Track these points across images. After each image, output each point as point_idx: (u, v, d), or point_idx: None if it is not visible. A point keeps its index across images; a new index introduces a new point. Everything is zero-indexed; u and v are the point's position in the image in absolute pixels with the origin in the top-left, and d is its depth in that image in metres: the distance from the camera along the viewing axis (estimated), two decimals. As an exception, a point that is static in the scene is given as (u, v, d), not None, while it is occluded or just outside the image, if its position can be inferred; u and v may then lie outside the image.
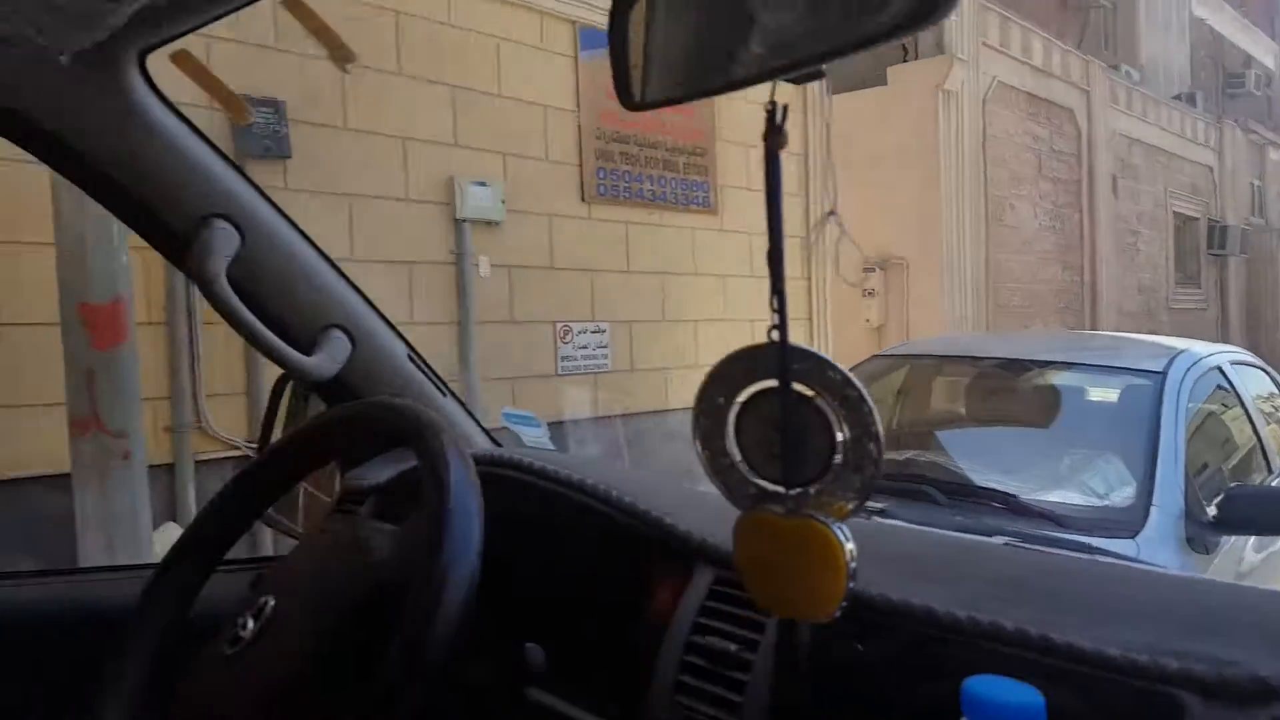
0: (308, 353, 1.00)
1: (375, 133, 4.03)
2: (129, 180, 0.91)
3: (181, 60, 0.84)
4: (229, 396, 3.74)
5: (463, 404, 1.15)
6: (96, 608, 1.05)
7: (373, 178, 4.03)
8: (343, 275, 1.06)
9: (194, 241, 0.92)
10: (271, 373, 3.98)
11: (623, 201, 5.12)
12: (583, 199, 4.94)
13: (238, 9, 0.81)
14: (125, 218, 0.97)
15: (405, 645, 0.57)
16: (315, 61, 3.68)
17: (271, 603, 0.70)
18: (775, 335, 0.54)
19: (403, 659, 0.57)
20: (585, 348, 5.03)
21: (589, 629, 0.83)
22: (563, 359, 4.92)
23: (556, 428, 4.52)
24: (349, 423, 0.80)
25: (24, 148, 0.88)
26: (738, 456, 0.59)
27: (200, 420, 3.65)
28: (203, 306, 3.59)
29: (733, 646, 0.67)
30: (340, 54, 1.03)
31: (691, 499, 0.83)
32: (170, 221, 0.93)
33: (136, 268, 2.94)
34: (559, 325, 4.90)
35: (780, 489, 0.56)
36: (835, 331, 6.42)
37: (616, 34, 0.57)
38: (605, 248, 5.06)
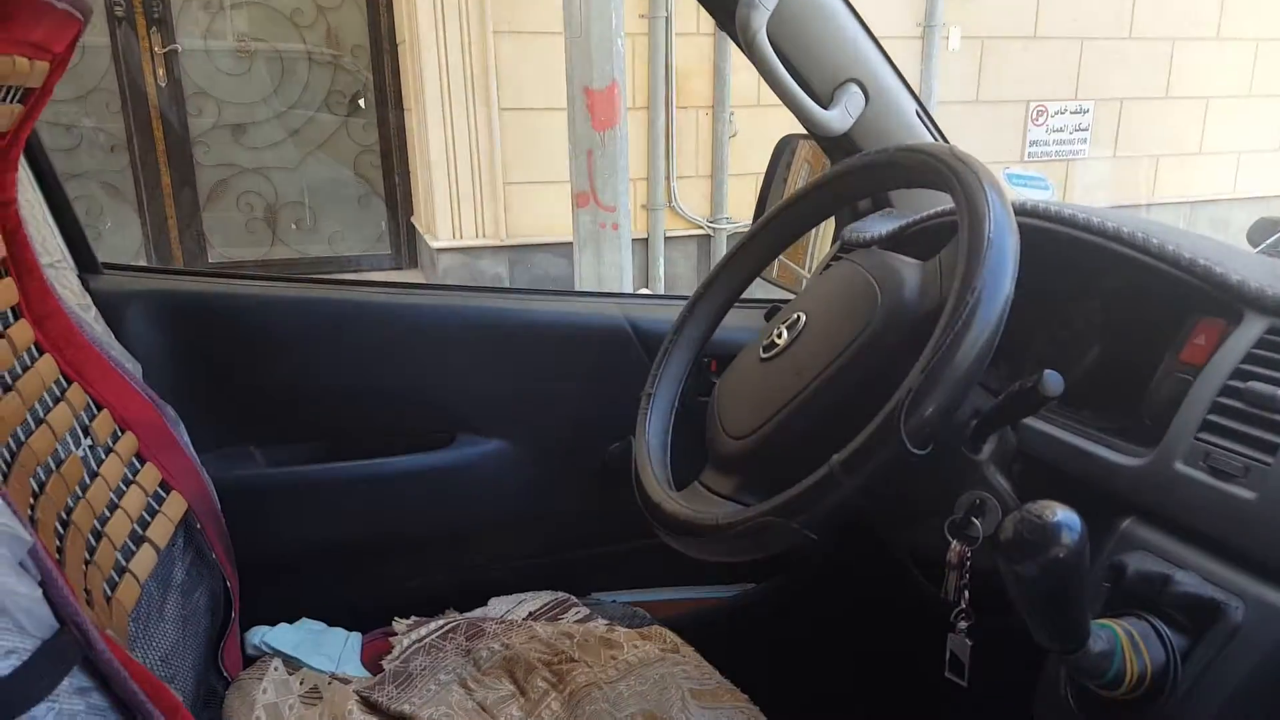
0: (826, 106, 1.04)
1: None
2: None
3: None
4: (695, 179, 4.03)
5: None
6: (642, 325, 1.17)
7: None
8: (863, 24, 1.06)
9: None
10: (737, 156, 4.16)
11: (1136, -51, 4.27)
12: (1079, -49, 4.22)
13: None
14: None
15: (937, 353, 0.60)
16: None
17: (804, 317, 0.78)
18: None
19: (933, 366, 0.60)
20: (1060, 130, 4.47)
21: (1099, 370, 0.85)
22: (1031, 143, 4.45)
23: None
24: (879, 167, 0.82)
25: None
26: None
27: (671, 200, 4.02)
28: (679, 94, 3.86)
29: None
30: None
31: (1234, 253, 0.80)
32: None
33: (628, 54, 3.23)
34: (1033, 105, 4.39)
35: None
36: None
37: None
38: (1100, 10, 4.32)
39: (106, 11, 3.69)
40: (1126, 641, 0.61)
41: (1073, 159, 4.55)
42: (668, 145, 3.89)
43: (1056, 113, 4.44)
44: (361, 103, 4.18)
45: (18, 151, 0.56)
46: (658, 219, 3.99)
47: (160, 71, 3.84)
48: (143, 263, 3.32)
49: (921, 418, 0.60)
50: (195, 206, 4.06)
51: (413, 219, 4.30)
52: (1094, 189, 4.60)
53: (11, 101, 0.53)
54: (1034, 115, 4.41)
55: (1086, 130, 4.52)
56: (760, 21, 0.95)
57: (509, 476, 1.13)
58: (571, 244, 3.19)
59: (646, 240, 4.01)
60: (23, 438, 0.51)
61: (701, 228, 4.06)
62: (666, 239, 4.02)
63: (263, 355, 1.03)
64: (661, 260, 4.04)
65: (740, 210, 4.03)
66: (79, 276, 0.85)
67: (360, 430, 1.10)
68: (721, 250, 4.07)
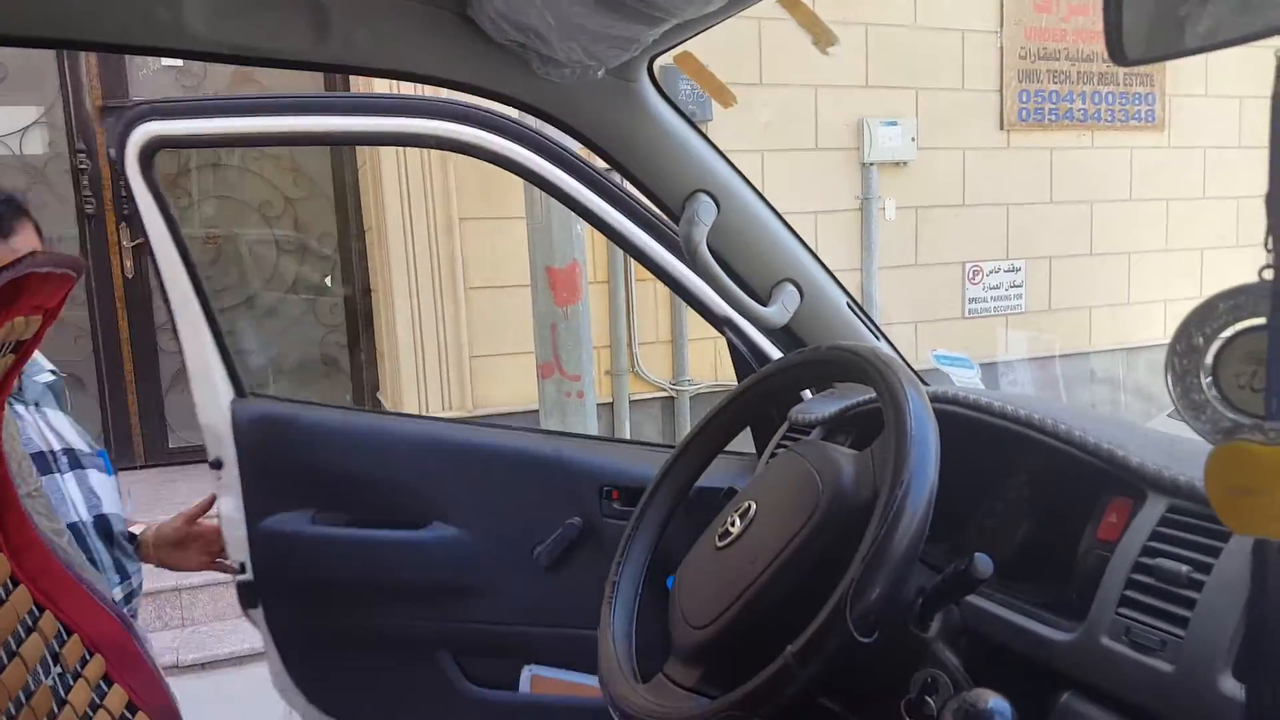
0: (764, 304, 1.14)
1: (788, 84, 4.13)
2: (636, 161, 1.12)
3: (683, 60, 1.01)
4: (655, 344, 4.16)
5: (895, 348, 1.21)
6: (628, 472, 1.41)
7: (783, 130, 4.13)
8: (792, 231, 1.18)
9: (681, 213, 1.09)
10: (694, 322, 4.29)
11: (1048, 125, 4.68)
12: (1001, 127, 4.60)
13: (737, 13, 0.93)
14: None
15: (874, 545, 0.65)
16: (736, 21, 3.87)
17: (753, 506, 0.83)
18: (1268, 274, 0.51)
19: (871, 557, 0.65)
20: (997, 288, 4.73)
21: (1029, 547, 0.90)
22: (970, 300, 4.69)
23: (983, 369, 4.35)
24: (813, 364, 0.92)
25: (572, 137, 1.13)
26: (1213, 393, 0.58)
27: (634, 365, 4.12)
28: (636, 268, 4.04)
29: (1184, 568, 0.71)
30: (823, 38, 1.13)
31: (1136, 434, 0.87)
32: (665, 196, 1.13)
33: (588, 236, 3.39)
34: (968, 266, 4.66)
35: (1260, 421, 0.56)
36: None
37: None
38: (1024, 179, 4.68)
39: (77, 210, 3.81)
40: None
41: (1011, 313, 4.79)
42: (628, 314, 4.04)
43: (991, 271, 4.71)
44: (329, 281, 4.29)
45: (5, 396, 0.60)
46: (622, 384, 4.07)
47: (128, 264, 3.93)
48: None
49: (865, 605, 0.64)
50: (158, 394, 4.05)
51: (379, 394, 4.33)
52: (1035, 340, 4.82)
53: (5, 354, 0.57)
54: (970, 275, 4.68)
55: (1021, 287, 4.79)
56: (700, 236, 1.06)
57: (462, 553, 1.44)
58: (538, 411, 3.23)
59: (612, 405, 4.07)
60: (-3, 674, 0.51)
61: (665, 390, 4.14)
62: (631, 402, 4.09)
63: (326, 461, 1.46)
64: (628, 423, 4.10)
65: (702, 371, 4.14)
66: None
67: (371, 509, 1.47)
68: (685, 412, 4.14)
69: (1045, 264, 4.81)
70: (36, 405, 1.35)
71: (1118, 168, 4.88)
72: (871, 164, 4.29)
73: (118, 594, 1.33)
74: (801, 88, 4.17)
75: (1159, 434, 0.88)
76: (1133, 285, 5.00)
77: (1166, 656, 0.68)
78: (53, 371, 1.41)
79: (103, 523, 1.34)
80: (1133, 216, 4.94)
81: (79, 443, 1.39)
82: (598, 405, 3.24)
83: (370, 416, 1.58)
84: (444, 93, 1.11)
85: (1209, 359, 0.60)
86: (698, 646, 0.79)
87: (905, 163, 4.38)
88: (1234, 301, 0.58)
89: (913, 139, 4.37)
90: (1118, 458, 0.81)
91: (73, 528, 1.28)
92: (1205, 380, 0.61)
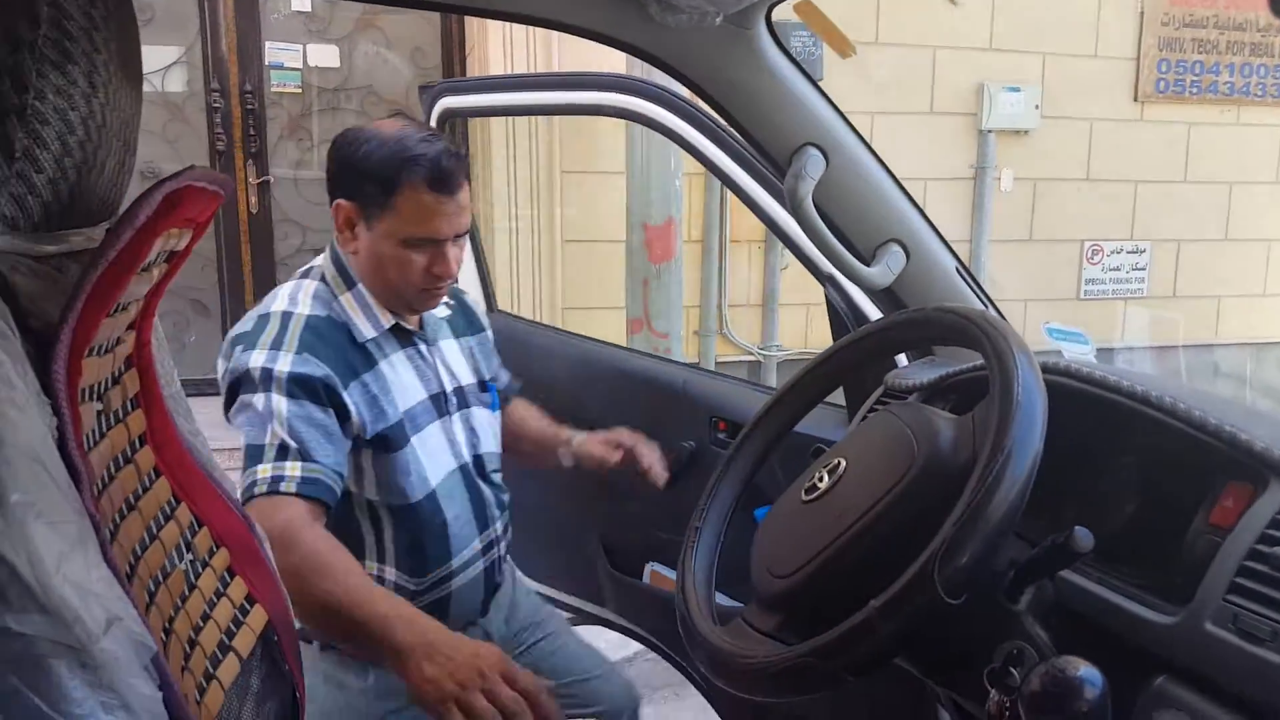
0: (868, 264, 1.12)
1: (904, 44, 3.98)
2: (746, 111, 1.10)
3: (802, 9, 1.00)
4: (746, 307, 4.13)
5: (1003, 318, 1.18)
6: (737, 406, 1.55)
7: (897, 91, 3.99)
8: (904, 191, 1.15)
9: (789, 166, 1.08)
10: (787, 287, 4.24)
11: (1188, 99, 4.37)
12: (1135, 98, 4.32)
13: None
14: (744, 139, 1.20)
15: (969, 508, 0.64)
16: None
17: (843, 463, 0.83)
18: None
19: (965, 520, 0.64)
20: (1117, 270, 4.49)
21: (1133, 527, 0.88)
22: (1087, 281, 4.47)
23: (1099, 354, 4.17)
24: (918, 324, 0.90)
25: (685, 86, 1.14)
26: None
27: (723, 327, 4.11)
28: (732, 229, 4.01)
29: None
30: (841, 46, 1.12)
31: (1260, 419, 0.83)
32: (773, 147, 1.11)
33: (685, 193, 3.39)
34: (1088, 244, 4.44)
35: None
36: None
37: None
38: (1156, 155, 4.40)
39: (209, 146, 4.03)
40: None
41: (1131, 297, 4.55)
42: (720, 276, 4.02)
43: (1113, 252, 4.48)
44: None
45: (157, 301, 0.66)
46: (709, 345, 4.08)
47: (253, 199, 4.14)
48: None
49: (955, 568, 0.63)
50: (274, 323, 4.28)
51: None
52: (1156, 327, 4.58)
53: (160, 263, 0.62)
54: (1089, 254, 4.46)
55: (1144, 270, 4.54)
56: (806, 190, 1.05)
57: None
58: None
59: (698, 365, 4.09)
60: (140, 553, 0.58)
61: (752, 354, 4.13)
62: (717, 364, 4.10)
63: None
64: (715, 386, 4.11)
65: (792, 338, 4.11)
66: None
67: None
68: (772, 377, 4.12)
69: (1173, 247, 4.54)
70: (434, 343, 1.35)
71: (1264, 148, 4.53)
72: (989, 131, 4.11)
73: (497, 529, 1.37)
74: (919, 48, 4.01)
75: None
76: (1270, 276, 4.67)
77: (1277, 647, 0.66)
78: (445, 303, 1.40)
79: (479, 462, 1.36)
80: (1277, 201, 4.59)
81: (469, 378, 1.39)
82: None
83: (566, 336, 1.98)
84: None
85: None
86: (778, 595, 0.80)
87: (1026, 131, 4.18)
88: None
89: (1036, 106, 4.16)
90: (1240, 441, 0.77)
91: (461, 469, 1.32)
92: None
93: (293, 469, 1.09)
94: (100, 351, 0.56)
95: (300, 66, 4.11)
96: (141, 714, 0.43)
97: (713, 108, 1.14)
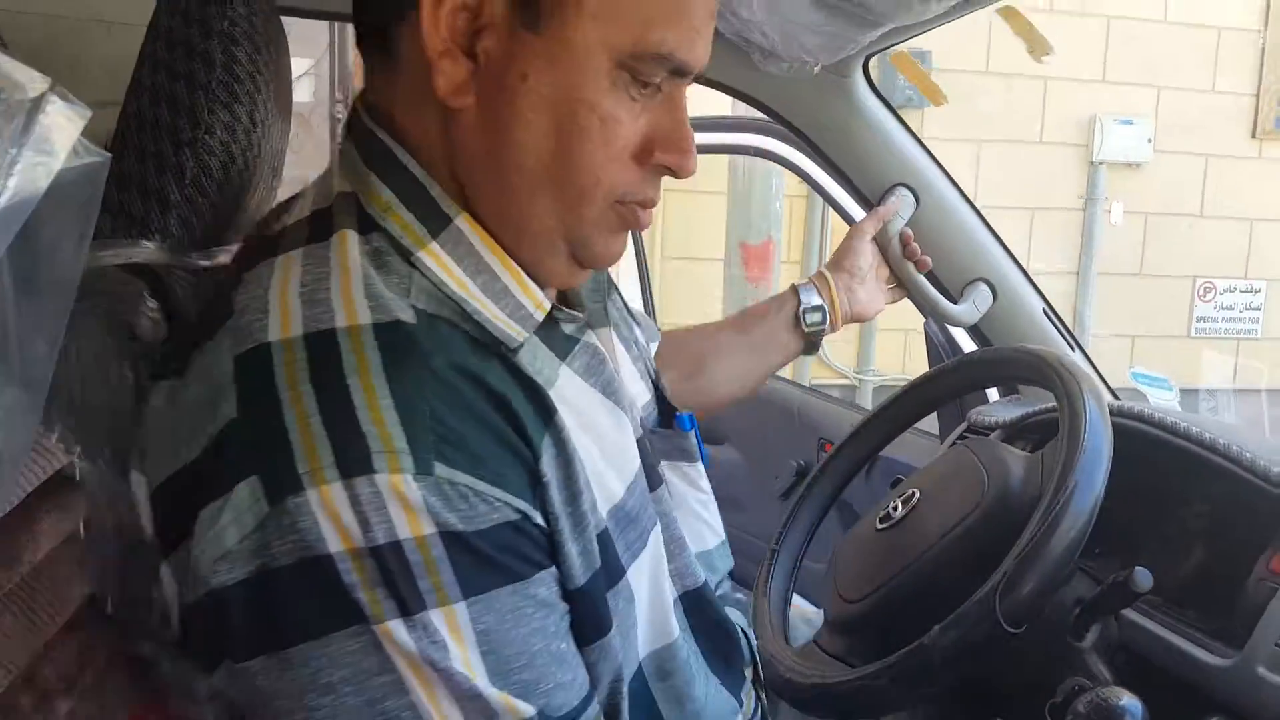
0: (955, 302, 1.16)
1: (1016, 74, 3.94)
2: (840, 152, 1.16)
3: (899, 59, 1.06)
4: (844, 332, 4.10)
5: (1090, 360, 1.20)
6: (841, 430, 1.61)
7: (1006, 121, 3.96)
8: (991, 231, 1.19)
9: (878, 204, 1.14)
10: (886, 313, 4.21)
11: (1312, 136, 4.22)
12: (1254, 135, 4.18)
13: (954, 19, 0.97)
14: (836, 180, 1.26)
15: (1031, 541, 0.68)
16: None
17: (918, 494, 0.87)
18: None
19: (1026, 553, 0.67)
20: (1230, 308, 4.33)
21: (1198, 572, 0.89)
22: (1198, 319, 4.33)
23: (1184, 396, 4.03)
24: (995, 363, 0.95)
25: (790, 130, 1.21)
26: None
27: (819, 350, 4.10)
28: (830, 250, 4.00)
29: None
30: (1039, 48, 1.15)
31: None
32: (864, 186, 1.17)
33: (786, 214, 3.42)
34: (1199, 281, 4.30)
35: None
36: None
37: None
38: (1273, 193, 4.25)
39: (331, 153, 4.25)
40: None
41: (1245, 338, 4.38)
42: (819, 298, 4.03)
43: (1225, 290, 4.33)
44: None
45: None
46: (804, 367, 4.09)
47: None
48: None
49: (1016, 598, 0.67)
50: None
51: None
52: (1269, 370, 4.39)
53: None
54: (1201, 291, 4.32)
55: (1259, 310, 4.37)
56: (896, 229, 1.09)
57: (732, 470, 1.74)
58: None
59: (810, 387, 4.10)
60: None
61: (847, 378, 4.12)
62: (812, 387, 4.10)
63: None
64: (806, 407, 4.11)
65: (888, 363, 4.08)
66: None
67: None
68: (866, 402, 4.10)
69: (1292, 288, 4.36)
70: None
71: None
72: (1100, 163, 4.04)
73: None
74: (1031, 78, 3.97)
75: None
76: (1399, 322, 4.44)
77: None
78: None
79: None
80: None
81: (646, 398, 1.29)
82: (778, 384, 3.28)
83: None
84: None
85: None
86: (848, 619, 0.84)
87: (1138, 164, 4.09)
88: None
89: (1149, 140, 4.06)
90: None
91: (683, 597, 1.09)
92: None
93: None
94: None
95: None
96: None
97: (809, 148, 1.20)
